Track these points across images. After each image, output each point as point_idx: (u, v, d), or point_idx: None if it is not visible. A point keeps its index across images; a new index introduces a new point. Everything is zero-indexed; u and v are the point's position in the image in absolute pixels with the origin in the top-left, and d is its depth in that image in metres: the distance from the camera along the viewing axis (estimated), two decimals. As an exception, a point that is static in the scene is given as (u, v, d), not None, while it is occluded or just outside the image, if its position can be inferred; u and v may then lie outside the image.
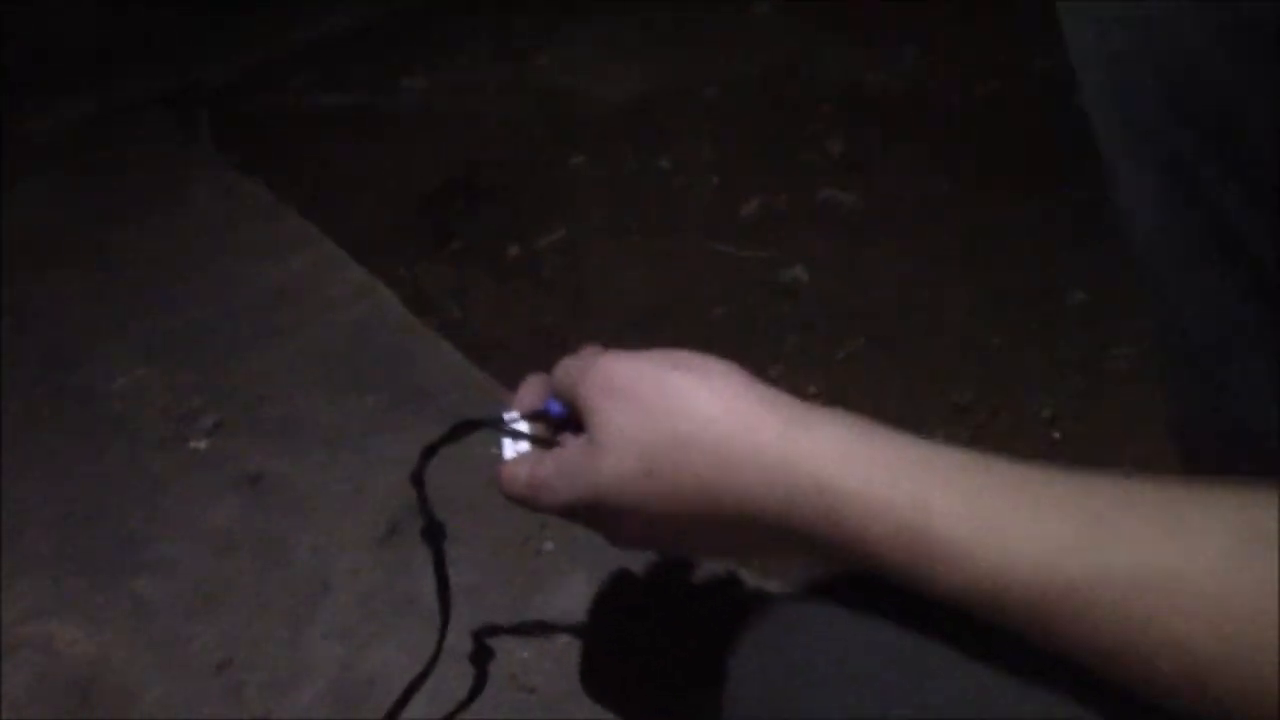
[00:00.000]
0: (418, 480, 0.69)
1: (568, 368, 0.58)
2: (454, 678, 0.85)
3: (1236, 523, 0.37)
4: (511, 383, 1.05)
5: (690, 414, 0.49)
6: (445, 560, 0.73)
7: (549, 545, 0.94)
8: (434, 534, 0.72)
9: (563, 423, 0.62)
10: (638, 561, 0.90)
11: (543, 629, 0.88)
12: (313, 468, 1.02)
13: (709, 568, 0.89)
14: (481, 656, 0.87)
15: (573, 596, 0.91)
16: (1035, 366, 1.05)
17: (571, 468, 0.54)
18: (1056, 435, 0.99)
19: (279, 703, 0.86)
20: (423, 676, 0.78)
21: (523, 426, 0.62)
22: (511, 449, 0.62)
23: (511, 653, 0.87)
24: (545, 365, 0.62)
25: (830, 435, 0.46)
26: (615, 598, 0.90)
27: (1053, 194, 1.22)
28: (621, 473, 0.50)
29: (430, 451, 0.68)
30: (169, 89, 1.49)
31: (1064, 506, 0.40)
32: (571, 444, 0.56)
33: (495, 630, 0.88)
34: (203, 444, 1.04)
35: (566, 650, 0.87)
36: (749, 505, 0.47)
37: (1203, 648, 0.36)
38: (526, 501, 0.58)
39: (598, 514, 0.54)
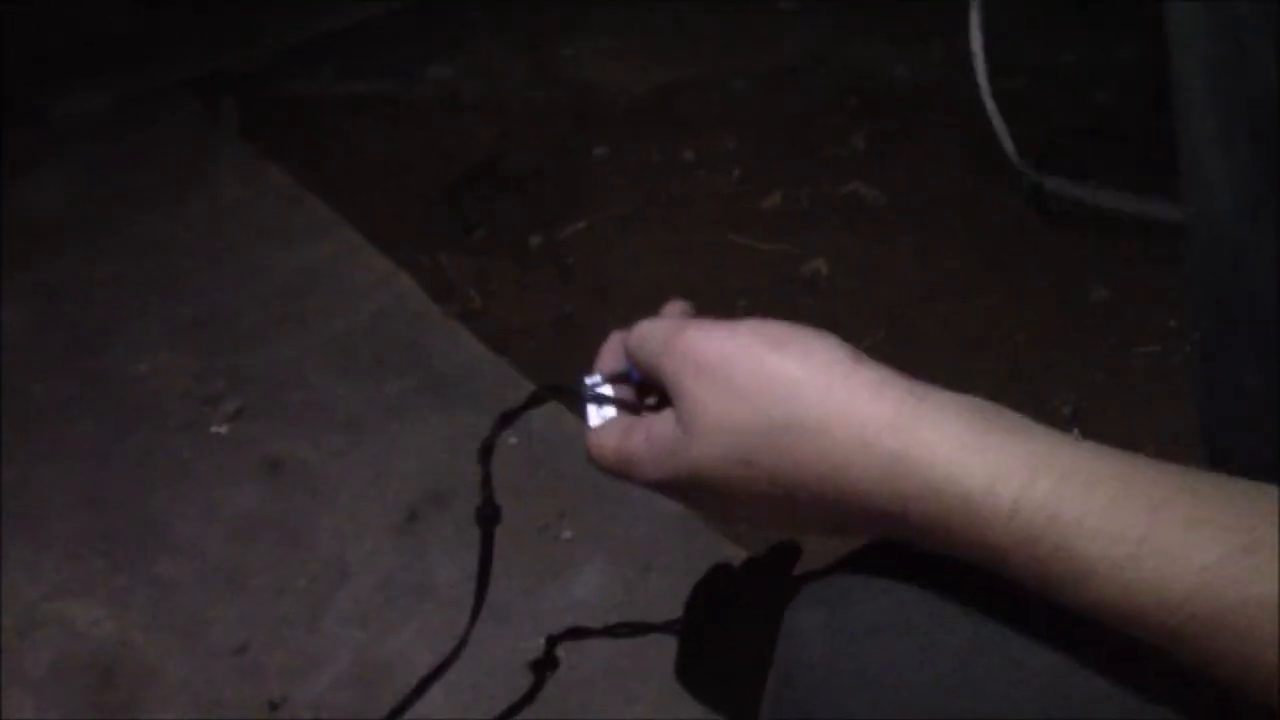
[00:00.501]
0: (486, 451, 0.64)
1: (648, 335, 0.53)
2: (470, 666, 0.86)
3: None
4: (532, 371, 1.07)
5: (790, 400, 0.45)
6: (493, 544, 0.71)
7: (567, 533, 0.94)
8: (488, 516, 0.70)
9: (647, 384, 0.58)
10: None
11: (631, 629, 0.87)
12: (333, 453, 1.02)
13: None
14: (545, 664, 0.86)
15: (590, 585, 0.91)
16: (1057, 362, 1.05)
17: (664, 446, 0.50)
18: (1076, 431, 0.99)
19: (297, 686, 0.86)
20: (448, 662, 0.77)
21: (605, 390, 0.58)
22: (596, 415, 0.58)
23: (529, 639, 0.88)
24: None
25: (947, 427, 0.41)
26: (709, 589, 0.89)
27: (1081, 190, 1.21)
28: (716, 460, 0.47)
29: (507, 419, 0.64)
30: (196, 75, 1.49)
31: (1212, 525, 0.37)
32: (662, 419, 0.51)
33: (498, 612, 0.88)
34: (224, 429, 1.05)
35: (586, 641, 0.88)
36: (858, 499, 0.43)
37: None
38: (618, 474, 0.54)
39: (695, 494, 0.50)
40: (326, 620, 0.90)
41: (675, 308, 0.59)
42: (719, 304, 1.11)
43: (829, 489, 0.44)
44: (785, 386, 0.45)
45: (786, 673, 0.49)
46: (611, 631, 0.87)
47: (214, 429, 1.05)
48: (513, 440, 1.00)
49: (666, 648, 0.86)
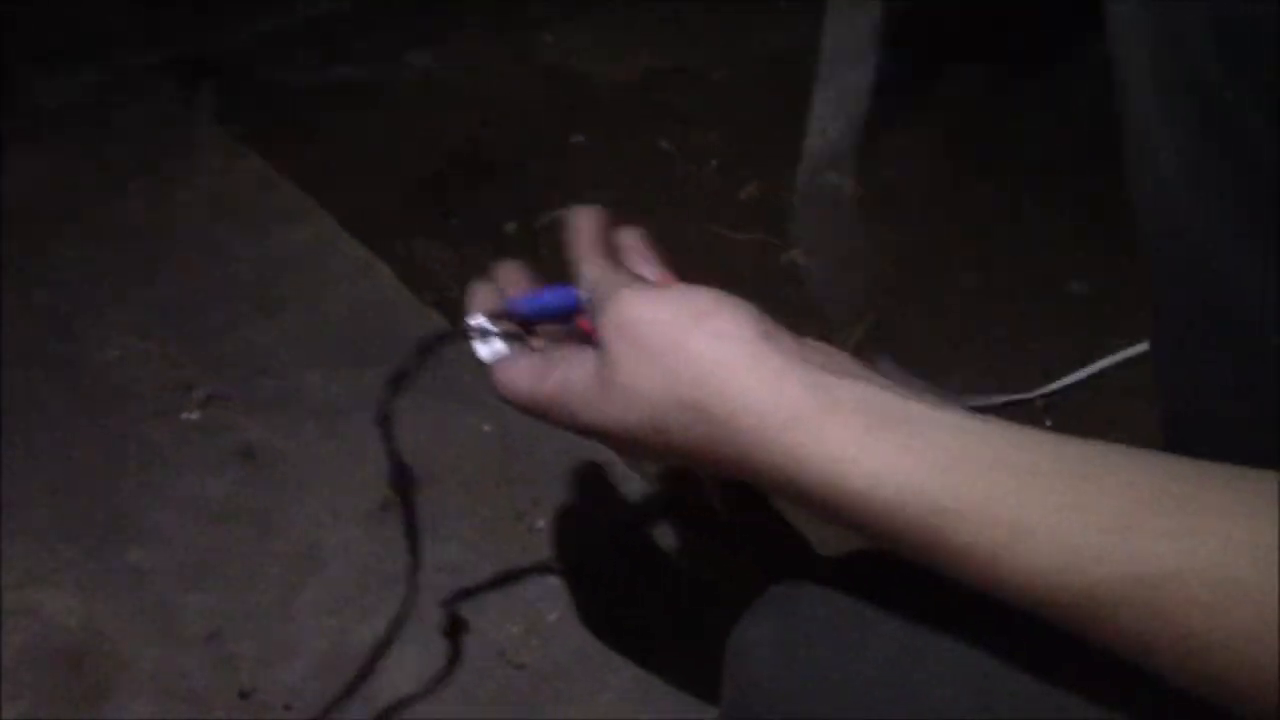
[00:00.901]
0: (382, 419, 0.66)
1: (597, 282, 0.55)
2: (440, 652, 0.86)
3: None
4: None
5: (698, 384, 0.46)
6: (416, 510, 0.71)
7: (540, 522, 0.94)
8: (403, 478, 0.70)
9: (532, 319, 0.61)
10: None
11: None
12: (307, 441, 1.02)
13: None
14: (456, 628, 0.87)
15: (563, 573, 0.91)
16: (1033, 355, 1.05)
17: (579, 394, 0.51)
18: (1049, 423, 0.99)
19: (269, 674, 0.86)
20: (388, 642, 0.77)
21: (489, 327, 0.61)
22: (486, 351, 0.61)
23: (500, 629, 0.88)
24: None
25: (843, 421, 0.43)
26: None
27: (1055, 183, 1.21)
28: (629, 423, 0.48)
29: (398, 381, 0.64)
30: (172, 59, 1.48)
31: (1097, 501, 0.38)
32: (580, 362, 0.52)
33: (471, 601, 0.89)
34: (196, 415, 1.04)
35: (556, 627, 0.88)
36: (763, 483, 0.45)
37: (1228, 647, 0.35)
38: (534, 414, 0.55)
39: (614, 443, 0.52)
40: (299, 608, 0.90)
41: (630, 237, 0.62)
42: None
43: (737, 470, 0.46)
44: (695, 368, 0.46)
45: (737, 692, 0.50)
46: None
47: (186, 416, 1.04)
48: (486, 428, 1.00)
49: (637, 637, 0.86)
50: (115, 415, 1.04)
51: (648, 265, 0.65)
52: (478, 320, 0.61)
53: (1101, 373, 1.02)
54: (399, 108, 1.42)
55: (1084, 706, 0.42)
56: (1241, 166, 0.47)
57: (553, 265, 1.17)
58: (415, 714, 0.83)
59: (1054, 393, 1.00)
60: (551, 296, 0.61)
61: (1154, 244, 0.56)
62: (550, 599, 0.89)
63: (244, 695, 0.85)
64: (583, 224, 0.63)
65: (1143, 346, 1.02)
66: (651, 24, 1.59)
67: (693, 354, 0.46)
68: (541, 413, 0.54)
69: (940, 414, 0.43)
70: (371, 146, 1.36)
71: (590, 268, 0.57)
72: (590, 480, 0.95)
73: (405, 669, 0.84)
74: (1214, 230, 0.50)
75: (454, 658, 0.86)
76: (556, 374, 0.53)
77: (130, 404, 1.05)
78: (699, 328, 0.47)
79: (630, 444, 0.50)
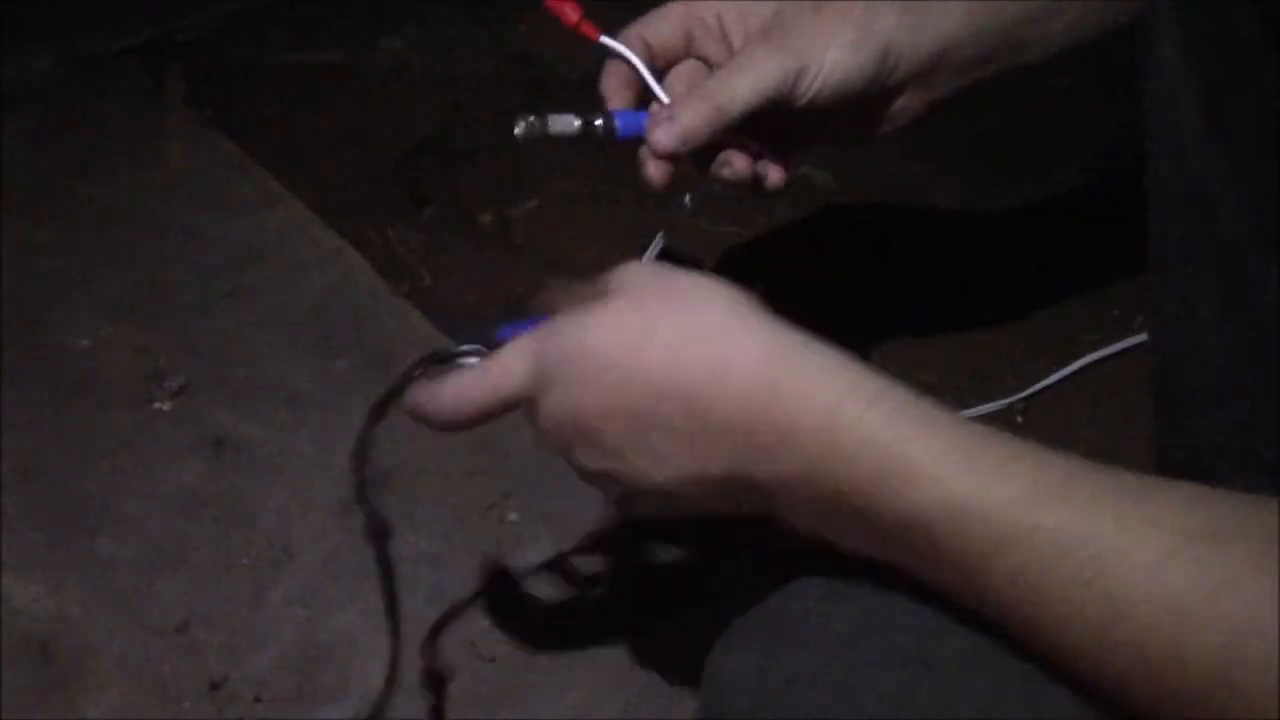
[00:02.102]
0: (359, 458, 0.66)
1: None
2: (413, 647, 0.86)
3: (1188, 519, 0.38)
4: (480, 351, 1.06)
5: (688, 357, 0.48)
6: (392, 566, 0.71)
7: (513, 515, 0.94)
8: (379, 533, 0.70)
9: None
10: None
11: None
12: (278, 431, 1.01)
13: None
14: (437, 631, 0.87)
15: (535, 566, 0.91)
16: (1003, 349, 1.06)
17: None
18: (1019, 419, 1.00)
19: (238, 664, 0.86)
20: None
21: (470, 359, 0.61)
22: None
23: (472, 621, 0.88)
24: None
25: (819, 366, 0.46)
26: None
27: (1030, 179, 1.22)
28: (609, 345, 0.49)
29: (382, 409, 0.66)
30: (140, 41, 1.46)
31: (1038, 454, 0.41)
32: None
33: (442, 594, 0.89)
34: (167, 405, 1.03)
35: (530, 622, 0.88)
36: (729, 422, 0.46)
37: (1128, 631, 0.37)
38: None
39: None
40: (269, 599, 0.90)
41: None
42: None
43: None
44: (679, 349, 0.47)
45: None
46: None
47: (157, 405, 1.03)
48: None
49: (609, 630, 0.87)
50: (85, 403, 1.03)
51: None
52: (471, 348, 0.61)
53: (1075, 373, 1.03)
54: (371, 92, 1.41)
55: None
56: (1260, 115, 0.49)
57: (527, 254, 1.18)
58: (385, 706, 0.83)
59: (1030, 396, 1.01)
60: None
61: (1162, 187, 0.57)
62: (522, 591, 0.89)
63: (214, 686, 0.84)
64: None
65: (1117, 346, 1.04)
66: (622, 11, 1.58)
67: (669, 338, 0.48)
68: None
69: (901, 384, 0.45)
70: (343, 131, 1.35)
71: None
72: (563, 473, 0.95)
73: (377, 662, 0.85)
74: (1226, 175, 0.52)
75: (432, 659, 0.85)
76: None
77: (100, 392, 1.04)
78: (673, 307, 0.49)
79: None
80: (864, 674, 0.46)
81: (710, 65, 0.70)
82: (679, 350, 0.47)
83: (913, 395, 0.44)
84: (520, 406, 0.54)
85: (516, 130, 0.65)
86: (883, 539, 0.43)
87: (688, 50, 0.71)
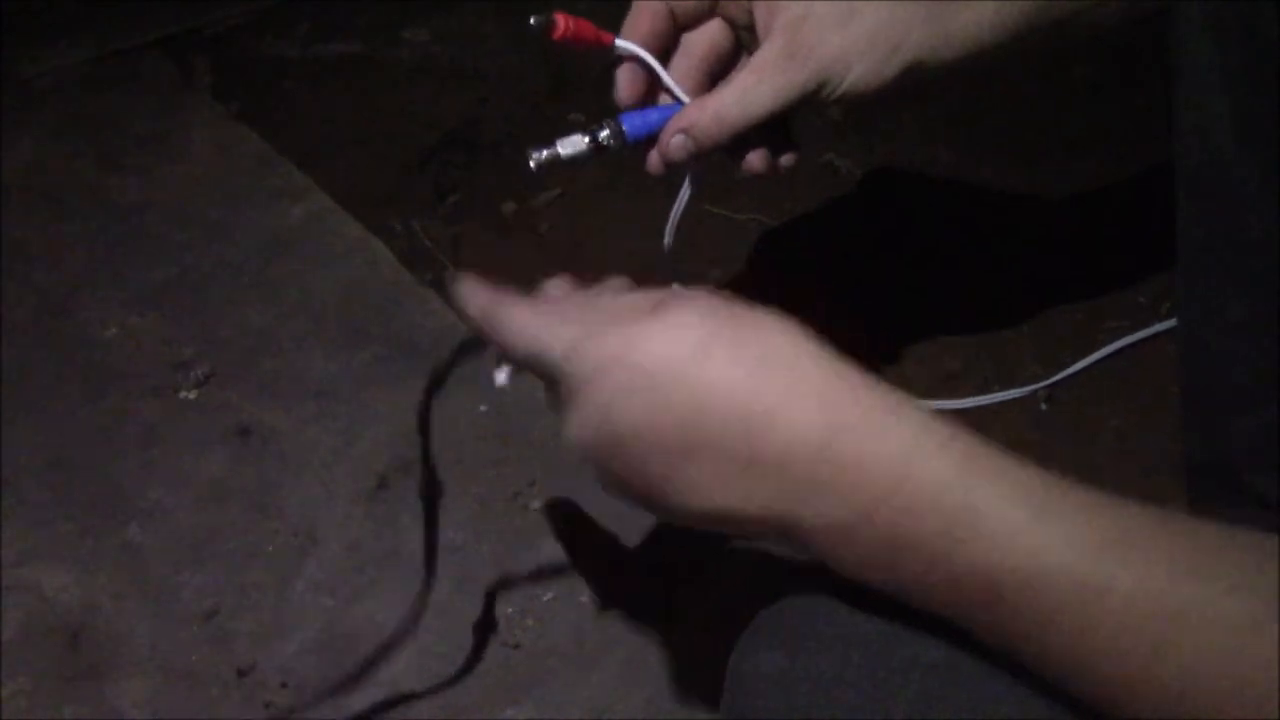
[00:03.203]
0: (424, 423, 0.66)
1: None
2: (439, 635, 0.87)
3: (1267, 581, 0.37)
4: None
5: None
6: (437, 521, 0.72)
7: (535, 504, 0.95)
8: (430, 491, 0.70)
9: None
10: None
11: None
12: (303, 420, 1.02)
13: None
14: (484, 625, 0.87)
15: (559, 554, 0.92)
16: (1027, 336, 1.05)
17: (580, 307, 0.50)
18: (1044, 407, 0.99)
19: (265, 652, 0.87)
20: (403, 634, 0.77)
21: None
22: (502, 375, 0.58)
23: (496, 609, 0.88)
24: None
25: (884, 389, 0.43)
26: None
27: (1053, 166, 1.21)
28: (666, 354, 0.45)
29: (438, 382, 0.63)
30: (168, 35, 1.47)
31: (1113, 510, 0.39)
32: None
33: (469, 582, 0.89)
34: (193, 394, 1.04)
35: (551, 607, 0.88)
36: (769, 452, 0.43)
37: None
38: (483, 328, 0.52)
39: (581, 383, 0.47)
40: (295, 587, 0.91)
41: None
42: (693, 274, 1.11)
43: (766, 395, 0.43)
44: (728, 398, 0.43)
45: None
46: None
47: (183, 394, 1.04)
48: (483, 408, 1.01)
49: (631, 617, 0.87)
50: (113, 393, 1.04)
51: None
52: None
53: (1100, 360, 1.02)
54: (397, 85, 1.41)
55: None
56: None
57: (551, 244, 1.18)
58: (412, 693, 0.83)
59: (1055, 383, 1.00)
60: None
61: (1192, 189, 0.57)
62: (545, 579, 0.90)
63: (241, 673, 0.85)
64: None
65: (1142, 333, 1.03)
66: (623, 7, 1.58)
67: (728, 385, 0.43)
68: (495, 321, 0.51)
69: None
70: (369, 124, 1.36)
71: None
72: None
73: (406, 649, 0.85)
74: (1257, 180, 0.52)
75: (475, 656, 0.86)
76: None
77: (128, 382, 1.05)
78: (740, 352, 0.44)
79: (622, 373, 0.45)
80: (892, 676, 0.46)
81: (734, 28, 0.69)
82: (741, 373, 0.43)
83: (979, 442, 0.42)
84: (544, 379, 0.50)
85: (531, 164, 0.64)
86: (939, 587, 0.41)
87: (712, 9, 0.69)
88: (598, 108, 1.34)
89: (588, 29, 0.65)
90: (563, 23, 0.64)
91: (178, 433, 1.01)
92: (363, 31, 1.49)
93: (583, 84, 1.39)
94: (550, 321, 0.49)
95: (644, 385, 0.44)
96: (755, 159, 0.70)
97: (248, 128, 1.34)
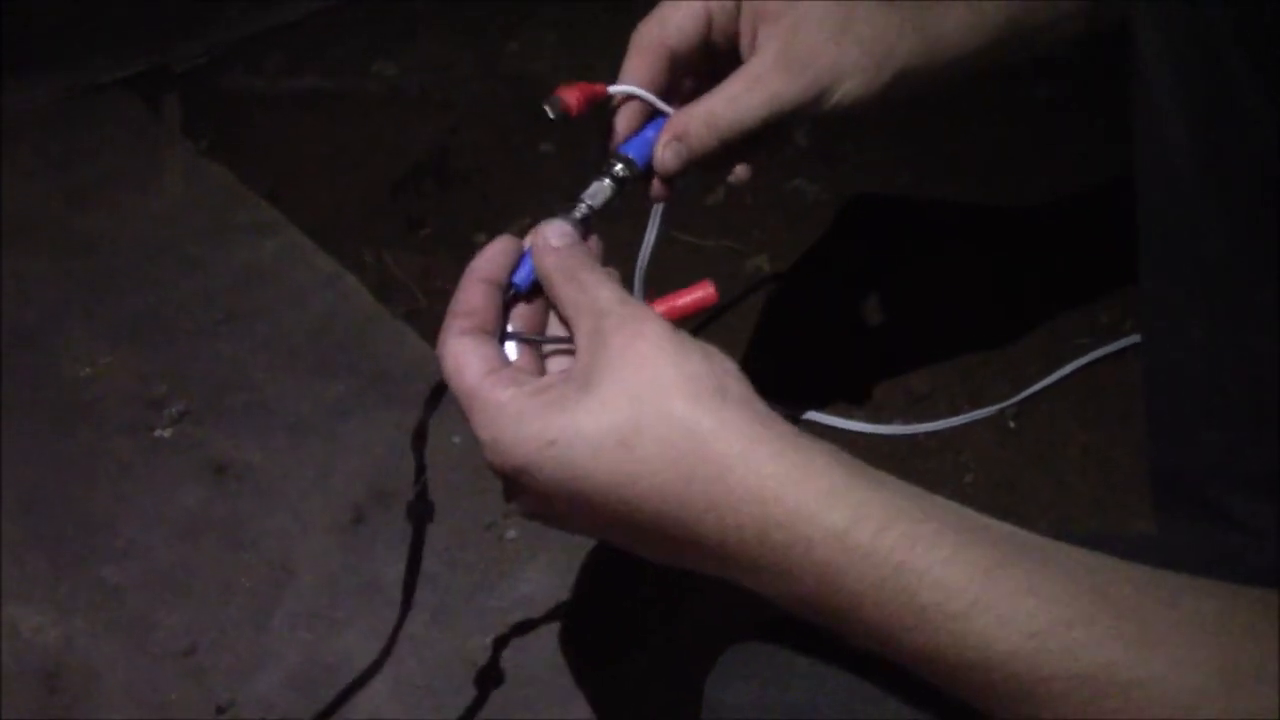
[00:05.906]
0: (419, 437, 0.65)
1: (594, 301, 0.51)
2: (415, 666, 0.87)
3: (1222, 649, 0.38)
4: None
5: (698, 444, 0.44)
6: (423, 542, 0.72)
7: (511, 533, 0.95)
8: (421, 512, 0.70)
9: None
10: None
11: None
12: (278, 454, 1.02)
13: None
14: (490, 674, 0.87)
15: (534, 584, 0.92)
16: (993, 354, 1.07)
17: (541, 400, 0.48)
18: (1012, 425, 1.01)
19: (243, 688, 0.87)
20: (379, 662, 0.77)
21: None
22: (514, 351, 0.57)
23: (475, 640, 0.89)
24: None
25: (820, 471, 0.43)
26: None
27: (1015, 186, 1.23)
28: (602, 424, 0.45)
29: (435, 397, 0.60)
30: (137, 71, 1.48)
31: (1042, 596, 0.39)
32: (546, 378, 0.50)
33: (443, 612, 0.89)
34: (168, 432, 1.04)
35: (531, 639, 0.89)
36: (718, 520, 0.44)
37: None
38: (463, 403, 0.52)
39: (532, 478, 0.49)
40: (273, 622, 0.91)
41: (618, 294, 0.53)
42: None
43: (696, 501, 0.44)
44: (693, 436, 0.44)
45: None
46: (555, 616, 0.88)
47: (158, 432, 1.04)
48: (456, 439, 1.01)
49: (608, 647, 0.87)
50: (86, 432, 1.05)
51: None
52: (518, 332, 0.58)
53: (1065, 377, 1.03)
54: (366, 118, 1.42)
55: None
56: (1248, 146, 0.49)
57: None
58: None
59: (1022, 401, 1.02)
60: None
61: (1152, 214, 0.58)
62: (521, 609, 0.90)
63: (220, 710, 0.85)
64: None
65: (1106, 349, 1.04)
66: (615, 32, 1.59)
67: (691, 422, 0.44)
68: (475, 407, 0.51)
69: (902, 482, 0.43)
70: (339, 157, 1.36)
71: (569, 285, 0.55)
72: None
73: (385, 680, 0.85)
74: (1213, 202, 0.53)
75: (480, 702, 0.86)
76: (519, 379, 0.50)
77: (101, 420, 1.06)
78: (704, 407, 0.45)
79: (574, 467, 0.46)
80: (865, 708, 0.46)
81: (720, 52, 0.67)
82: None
83: (919, 511, 0.42)
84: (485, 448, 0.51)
85: (570, 227, 0.63)
86: (893, 654, 0.42)
87: (706, 38, 0.67)
88: (567, 137, 1.36)
89: (590, 91, 0.65)
90: (574, 101, 0.64)
91: (152, 470, 1.01)
92: (331, 65, 1.50)
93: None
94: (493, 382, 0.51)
95: (580, 474, 0.46)
96: (743, 172, 0.70)
97: (217, 163, 1.34)
